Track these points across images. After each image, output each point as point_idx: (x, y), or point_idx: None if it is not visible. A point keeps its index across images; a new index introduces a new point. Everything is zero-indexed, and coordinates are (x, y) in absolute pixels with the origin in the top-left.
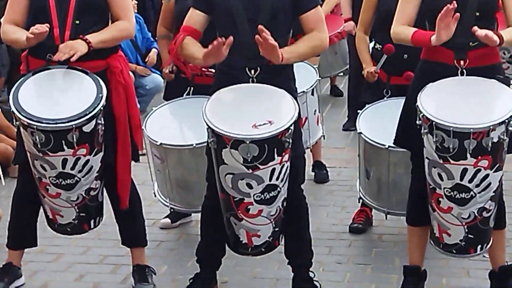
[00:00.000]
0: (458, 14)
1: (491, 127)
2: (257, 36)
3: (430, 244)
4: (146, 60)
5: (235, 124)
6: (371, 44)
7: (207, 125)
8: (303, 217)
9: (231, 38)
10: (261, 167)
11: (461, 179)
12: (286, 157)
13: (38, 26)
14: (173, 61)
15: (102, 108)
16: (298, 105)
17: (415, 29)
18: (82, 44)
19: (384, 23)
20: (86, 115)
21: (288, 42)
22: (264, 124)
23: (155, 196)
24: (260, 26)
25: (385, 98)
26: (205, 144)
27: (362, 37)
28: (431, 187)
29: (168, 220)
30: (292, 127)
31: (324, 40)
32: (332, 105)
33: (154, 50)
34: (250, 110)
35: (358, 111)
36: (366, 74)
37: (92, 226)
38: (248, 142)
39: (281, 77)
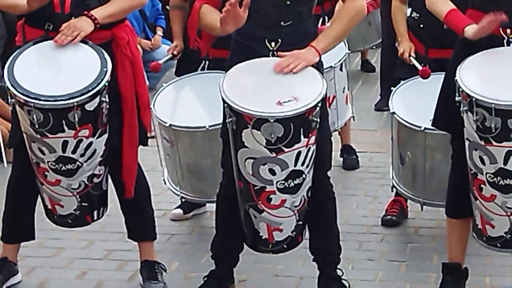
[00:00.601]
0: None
1: None
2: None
3: (473, 238)
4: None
5: (257, 101)
6: (408, 11)
7: (225, 102)
8: (330, 209)
9: None
10: (285, 150)
11: (505, 163)
12: (313, 139)
13: None
14: (189, 35)
15: (106, 84)
16: (325, 81)
17: (452, 6)
18: (87, 22)
19: None
20: (89, 91)
21: (312, 7)
22: (290, 100)
23: (165, 183)
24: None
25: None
26: (220, 126)
27: (398, 7)
28: (472, 172)
29: (179, 211)
30: (320, 104)
31: (361, 8)
32: (363, 82)
33: (159, 32)
34: (273, 86)
35: (392, 88)
36: (400, 54)
37: (95, 218)
38: (272, 121)
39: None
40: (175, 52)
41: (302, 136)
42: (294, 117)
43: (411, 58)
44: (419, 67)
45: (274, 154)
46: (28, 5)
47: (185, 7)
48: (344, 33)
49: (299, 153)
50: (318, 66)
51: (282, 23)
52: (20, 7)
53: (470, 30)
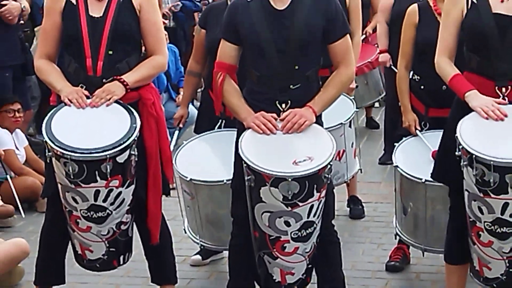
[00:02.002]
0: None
1: None
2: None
3: (470, 277)
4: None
5: (275, 161)
6: (410, 74)
7: (245, 162)
8: (335, 254)
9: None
10: (300, 204)
11: (502, 213)
12: (324, 193)
13: (78, 99)
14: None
15: (136, 139)
16: (335, 140)
17: (456, 71)
18: (119, 87)
19: (422, 54)
20: (121, 144)
21: (318, 71)
22: (305, 160)
23: (185, 232)
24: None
25: (422, 131)
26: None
27: (403, 76)
28: (471, 220)
29: (198, 257)
30: (332, 163)
31: (351, 75)
32: (368, 137)
33: (182, 92)
34: (288, 146)
35: (395, 144)
36: (406, 126)
37: (121, 262)
38: (290, 179)
39: None
40: (181, 125)
41: (315, 191)
42: (309, 176)
43: (418, 133)
44: (431, 148)
45: (290, 208)
46: (61, 99)
47: (200, 74)
48: (337, 96)
49: (311, 206)
50: (321, 125)
51: (291, 86)
52: (54, 88)
53: (470, 99)
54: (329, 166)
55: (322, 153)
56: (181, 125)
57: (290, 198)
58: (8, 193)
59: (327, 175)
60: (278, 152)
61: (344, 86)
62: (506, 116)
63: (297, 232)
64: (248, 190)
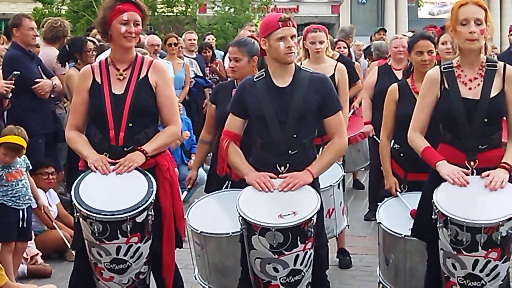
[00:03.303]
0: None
1: (500, 223)
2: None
3: None
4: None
5: (263, 214)
6: (390, 143)
7: (239, 214)
8: None
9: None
10: (286, 253)
11: (473, 269)
12: (309, 244)
13: (102, 166)
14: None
15: (152, 201)
16: (321, 198)
17: (427, 144)
18: (140, 156)
19: (401, 126)
20: (139, 207)
21: (313, 139)
22: (289, 214)
23: (196, 279)
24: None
25: (402, 193)
26: (240, 233)
27: (385, 144)
28: (445, 275)
29: None
30: (314, 218)
31: (344, 144)
32: (355, 197)
33: (193, 158)
34: (278, 202)
35: (378, 203)
36: (387, 188)
37: None
38: (273, 230)
39: None
40: (190, 186)
41: (299, 243)
42: (291, 228)
43: (398, 194)
44: (409, 207)
45: (276, 256)
46: (88, 166)
47: (211, 142)
48: (332, 161)
49: (297, 256)
50: (316, 185)
51: (290, 151)
52: (82, 155)
53: (440, 168)
54: (312, 221)
55: (306, 209)
56: (189, 186)
57: (275, 246)
58: (42, 245)
59: (310, 229)
60: (269, 207)
61: (338, 153)
62: (468, 183)
63: (285, 278)
64: (244, 239)
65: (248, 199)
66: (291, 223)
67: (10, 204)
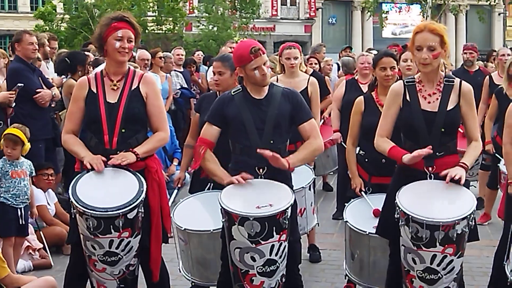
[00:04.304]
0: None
1: (456, 221)
2: (262, 152)
3: None
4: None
5: (243, 205)
6: (357, 150)
7: (221, 206)
8: None
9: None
10: (262, 242)
11: (431, 263)
12: (284, 236)
13: (98, 164)
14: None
15: (143, 200)
16: (295, 196)
17: (392, 144)
18: (132, 155)
19: (366, 134)
20: (131, 205)
21: (287, 145)
22: (266, 206)
23: (180, 271)
24: (259, 150)
25: (367, 194)
26: (221, 230)
27: (351, 150)
28: (405, 269)
29: None
30: (288, 210)
31: (320, 145)
32: (324, 198)
33: (174, 163)
34: (255, 196)
35: (345, 204)
36: (353, 188)
37: None
38: (252, 219)
39: (282, 174)
40: (179, 185)
41: (275, 233)
42: (268, 217)
43: (363, 194)
44: (372, 206)
45: (254, 245)
46: (83, 165)
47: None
48: (308, 157)
49: (272, 246)
50: (290, 186)
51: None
52: (78, 157)
53: (406, 158)
54: (286, 213)
55: (281, 202)
56: (179, 185)
57: (253, 235)
58: (41, 241)
59: (285, 221)
60: (247, 200)
61: (314, 150)
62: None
63: (261, 267)
64: (225, 230)
65: (229, 194)
66: (268, 213)
67: (10, 202)
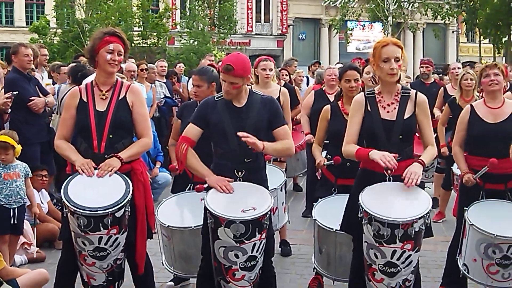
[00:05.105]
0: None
1: (415, 220)
2: (240, 134)
3: None
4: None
5: (229, 209)
6: (324, 154)
7: (208, 209)
8: (272, 283)
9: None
10: (246, 242)
11: (391, 258)
12: (264, 235)
13: (88, 169)
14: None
15: (129, 199)
16: (273, 198)
17: (358, 147)
18: (116, 161)
19: (333, 140)
20: (118, 204)
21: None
22: (249, 210)
23: (163, 264)
24: (239, 133)
25: (333, 195)
26: (201, 226)
27: (316, 147)
28: (368, 263)
29: (172, 283)
30: (269, 213)
31: (292, 145)
32: (295, 198)
33: (157, 166)
34: (239, 200)
35: (314, 203)
36: (317, 163)
37: (116, 287)
38: (238, 222)
39: (258, 177)
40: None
41: (257, 233)
42: (252, 220)
43: (325, 162)
44: (332, 160)
45: (238, 244)
46: (75, 168)
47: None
48: (279, 150)
49: (254, 244)
50: (265, 185)
51: (245, 159)
52: (70, 160)
53: (373, 156)
54: (267, 215)
55: (263, 205)
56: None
57: (238, 236)
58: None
59: (266, 222)
60: (232, 204)
61: (286, 149)
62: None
63: (244, 263)
64: (210, 231)
65: (214, 198)
66: (252, 217)
67: (2, 203)
